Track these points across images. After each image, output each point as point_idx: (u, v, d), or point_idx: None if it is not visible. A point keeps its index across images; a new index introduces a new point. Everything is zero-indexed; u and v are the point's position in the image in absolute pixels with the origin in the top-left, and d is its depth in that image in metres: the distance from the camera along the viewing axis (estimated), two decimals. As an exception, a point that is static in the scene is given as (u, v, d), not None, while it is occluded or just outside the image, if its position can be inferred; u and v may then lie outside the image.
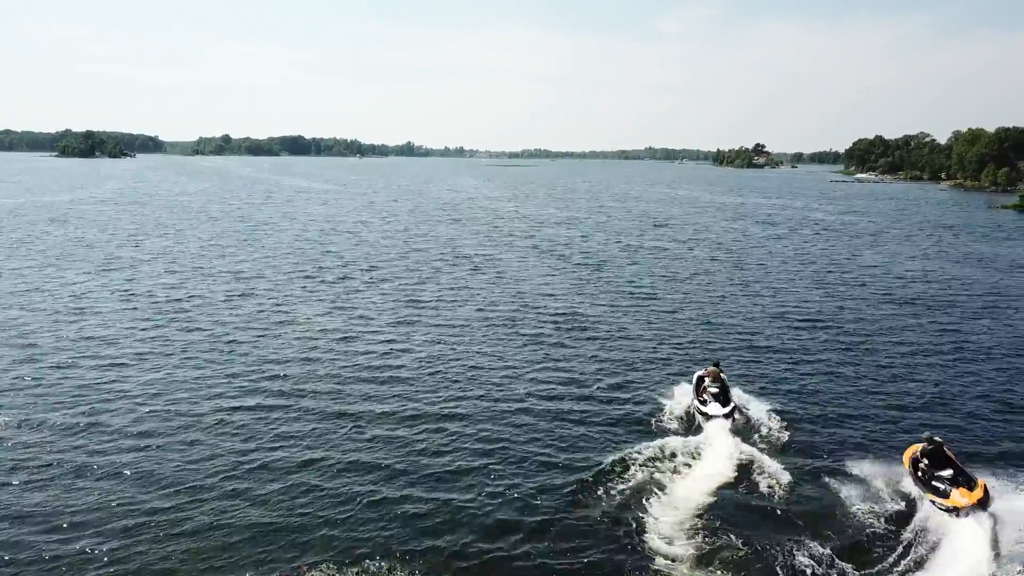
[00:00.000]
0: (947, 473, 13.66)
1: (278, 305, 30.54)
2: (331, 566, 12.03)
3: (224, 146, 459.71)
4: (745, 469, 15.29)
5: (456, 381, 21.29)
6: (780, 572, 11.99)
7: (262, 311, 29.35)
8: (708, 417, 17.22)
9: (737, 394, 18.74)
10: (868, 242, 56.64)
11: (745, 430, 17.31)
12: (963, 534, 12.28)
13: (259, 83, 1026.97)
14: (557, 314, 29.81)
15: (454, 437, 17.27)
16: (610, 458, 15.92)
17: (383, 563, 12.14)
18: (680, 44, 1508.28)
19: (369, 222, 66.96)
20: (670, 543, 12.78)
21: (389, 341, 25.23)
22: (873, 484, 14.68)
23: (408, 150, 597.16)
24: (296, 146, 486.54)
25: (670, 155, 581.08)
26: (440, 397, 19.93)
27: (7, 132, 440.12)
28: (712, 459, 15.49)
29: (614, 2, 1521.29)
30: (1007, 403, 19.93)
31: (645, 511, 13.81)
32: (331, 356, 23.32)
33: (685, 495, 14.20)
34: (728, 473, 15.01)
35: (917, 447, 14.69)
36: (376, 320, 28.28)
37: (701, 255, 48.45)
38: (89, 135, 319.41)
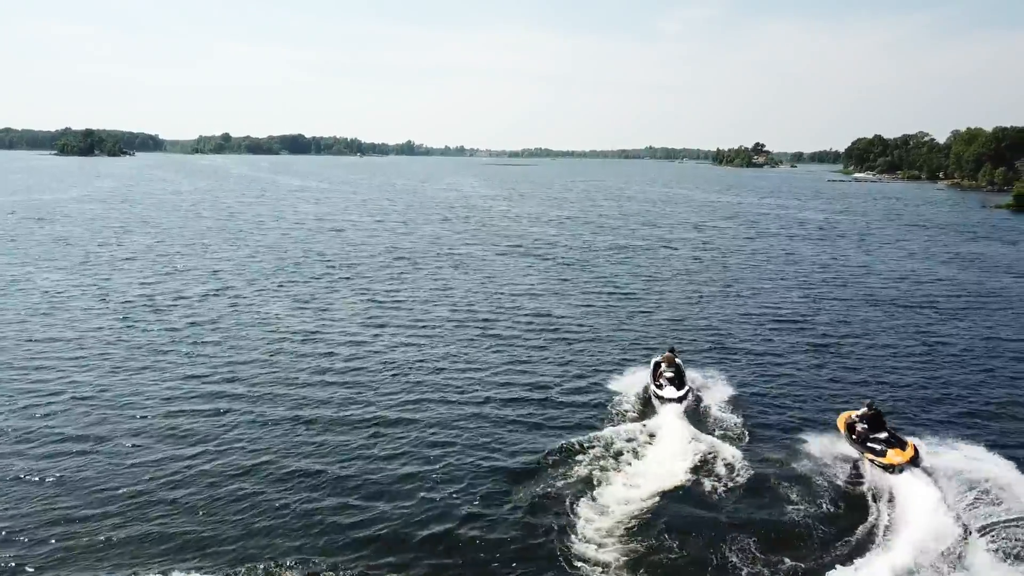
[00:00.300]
0: (883, 436, 15.31)
1: (249, 305, 30.34)
2: (265, 570, 11.86)
3: (224, 145, 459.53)
4: (697, 449, 15.88)
5: (417, 382, 21.07)
6: (730, 544, 12.66)
7: (232, 311, 29.14)
8: (664, 400, 18.01)
9: (692, 378, 19.61)
10: (855, 242, 56.41)
11: (699, 411, 18.35)
12: (899, 488, 13.93)
13: (259, 82, 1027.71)
14: (530, 313, 29.62)
15: (405, 439, 17.05)
16: (564, 446, 16.23)
17: (306, 567, 11.97)
18: (680, 44, 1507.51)
19: (357, 221, 66.77)
20: (621, 527, 13.08)
21: (355, 342, 25.01)
22: (816, 452, 15.99)
23: (408, 149, 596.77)
24: (296, 145, 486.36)
25: (670, 155, 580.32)
26: (396, 398, 19.70)
27: (7, 130, 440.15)
28: (666, 440, 16.12)
29: (614, 2, 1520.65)
30: (948, 383, 21.47)
31: (593, 500, 13.95)
32: (293, 357, 23.11)
33: (638, 479, 14.65)
34: (681, 453, 15.58)
35: (851, 413, 16.51)
36: (345, 320, 28.08)
37: (686, 255, 48.23)
38: (88, 134, 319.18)
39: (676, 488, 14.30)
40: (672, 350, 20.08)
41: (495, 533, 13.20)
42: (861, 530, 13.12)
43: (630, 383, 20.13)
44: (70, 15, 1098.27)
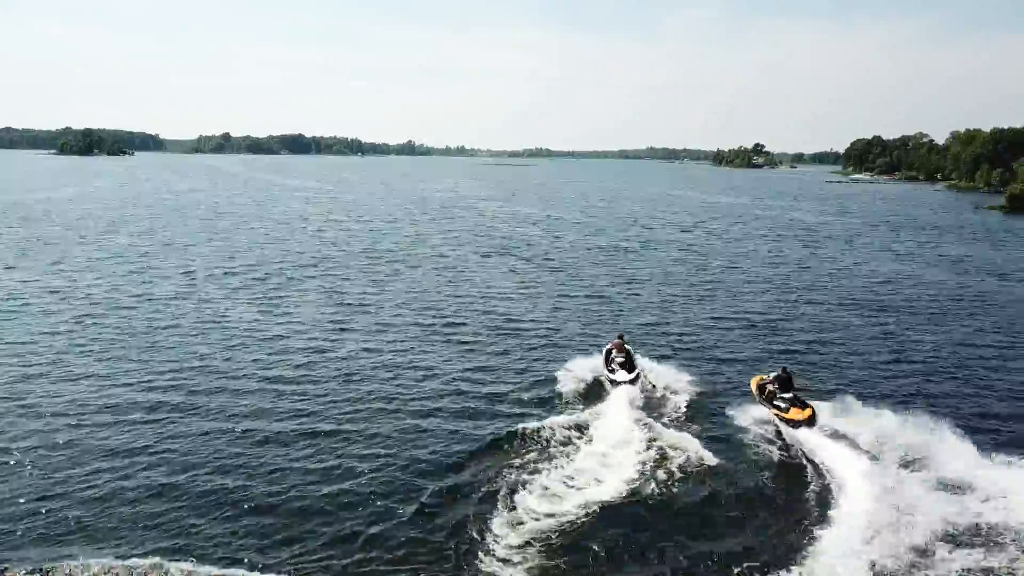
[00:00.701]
0: (788, 396, 17.65)
1: (210, 307, 29.90)
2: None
3: (224, 144, 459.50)
4: (643, 427, 16.99)
5: (365, 381, 20.81)
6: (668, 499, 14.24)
7: (192, 313, 28.74)
8: (615, 383, 19.35)
9: (642, 362, 21.00)
10: (842, 243, 55.95)
11: (648, 391, 19.80)
12: (799, 439, 16.58)
13: (260, 82, 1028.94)
14: (497, 315, 29.21)
15: (345, 442, 16.69)
16: (519, 431, 16.92)
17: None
18: (682, 43, 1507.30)
19: (342, 221, 66.39)
20: (576, 504, 13.82)
21: (309, 347, 24.56)
22: (739, 417, 18.17)
23: (409, 149, 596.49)
24: (296, 145, 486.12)
25: (670, 155, 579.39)
26: (347, 398, 19.42)
27: (8, 129, 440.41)
28: (616, 420, 17.32)
29: (616, 2, 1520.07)
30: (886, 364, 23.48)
31: (544, 486, 14.43)
32: (246, 360, 22.71)
33: (588, 459, 15.54)
34: (628, 432, 16.66)
35: (763, 376, 19.00)
36: (305, 322, 27.69)
37: (667, 257, 47.79)
38: (87, 133, 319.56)
39: (623, 466, 15.29)
40: (621, 337, 21.39)
41: (438, 526, 13.33)
42: (771, 478, 15.34)
43: (584, 369, 21.07)
44: (72, 15, 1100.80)
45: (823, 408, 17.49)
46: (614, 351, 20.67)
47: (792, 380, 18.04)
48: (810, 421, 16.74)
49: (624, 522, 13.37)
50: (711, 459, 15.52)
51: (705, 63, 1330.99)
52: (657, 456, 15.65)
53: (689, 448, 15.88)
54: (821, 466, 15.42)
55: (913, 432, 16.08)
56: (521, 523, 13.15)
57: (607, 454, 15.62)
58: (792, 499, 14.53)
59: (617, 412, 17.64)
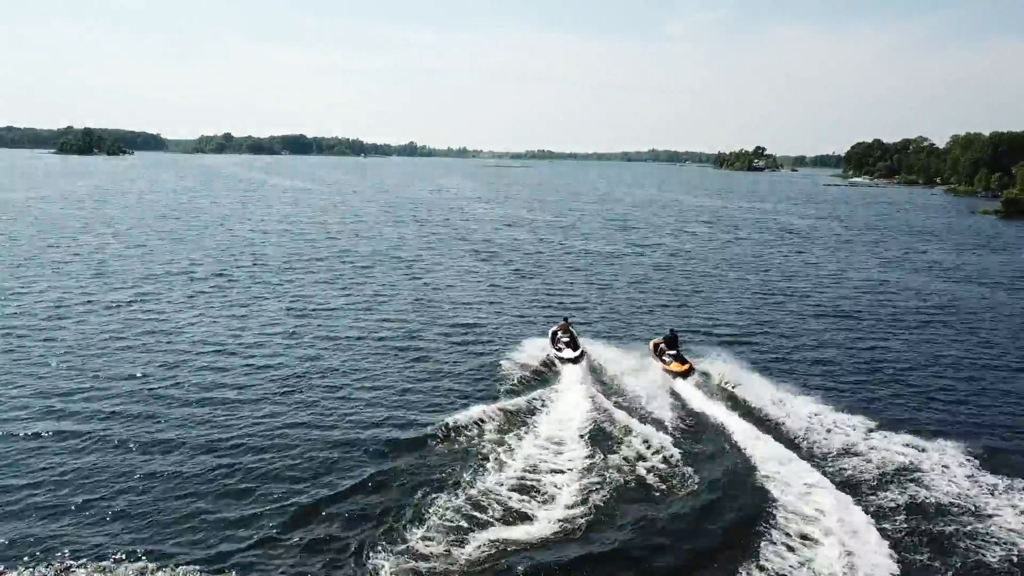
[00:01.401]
0: (672, 352, 21.58)
1: (163, 312, 28.92)
2: None
3: (226, 145, 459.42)
4: (591, 397, 19.39)
5: (307, 391, 19.96)
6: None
7: (144, 319, 27.78)
8: (563, 360, 21.99)
9: (584, 342, 23.48)
10: (830, 248, 54.82)
11: (590, 366, 22.11)
12: (679, 387, 20.30)
13: (262, 82, 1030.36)
14: (456, 324, 28.22)
15: (283, 463, 15.72)
16: (468, 414, 18.04)
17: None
18: (686, 46, 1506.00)
19: (326, 223, 65.40)
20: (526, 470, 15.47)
21: (252, 357, 23.55)
22: (648, 373, 21.48)
23: (411, 150, 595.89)
24: (297, 145, 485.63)
25: (673, 157, 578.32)
26: (282, 413, 18.43)
27: (9, 128, 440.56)
28: (566, 390, 19.97)
29: (621, 4, 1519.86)
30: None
31: (500, 461, 15.78)
32: (182, 371, 21.72)
33: (536, 428, 17.59)
34: (576, 401, 19.08)
35: (658, 339, 22.76)
36: (257, 330, 26.67)
37: (650, 261, 46.78)
38: (88, 132, 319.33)
39: (570, 431, 17.40)
40: (566, 320, 24.45)
41: (386, 506, 13.94)
42: (655, 411, 18.86)
43: (535, 348, 23.54)
44: (74, 14, 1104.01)
45: (701, 363, 21.80)
46: (560, 332, 23.44)
47: (676, 340, 22.12)
48: (687, 373, 20.70)
49: (580, 488, 14.69)
50: (629, 408, 18.95)
51: (710, 66, 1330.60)
52: (597, 418, 18.04)
53: (614, 406, 18.90)
54: (697, 410, 19.01)
55: (770, 394, 19.61)
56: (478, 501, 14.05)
57: (560, 421, 17.86)
58: (679, 428, 18.04)
59: (566, 385, 20.37)
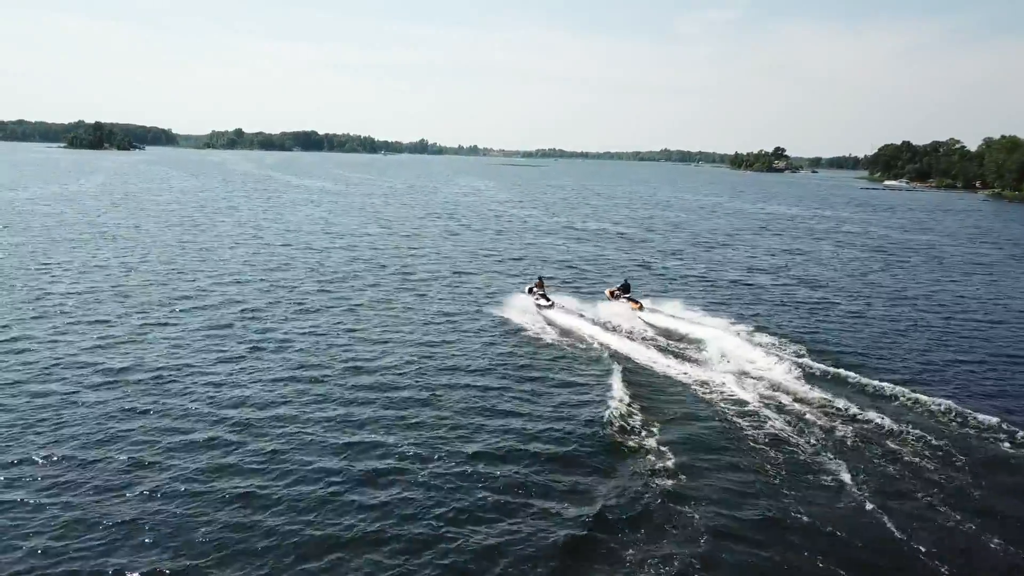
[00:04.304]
0: (628, 295, 29.44)
1: (117, 326, 24.75)
2: None
3: (236, 140, 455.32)
4: (561, 332, 25.90)
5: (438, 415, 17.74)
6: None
7: (100, 332, 23.98)
8: (540, 307, 28.57)
9: (555, 295, 29.95)
10: (970, 271, 45.73)
11: (561, 312, 28.11)
12: (636, 319, 27.54)
13: (273, 79, 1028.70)
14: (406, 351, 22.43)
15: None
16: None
17: None
18: (698, 46, 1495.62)
19: (385, 233, 59.30)
20: None
21: (189, 385, 19.10)
22: (604, 308, 28.80)
23: (422, 147, 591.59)
24: (309, 142, 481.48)
25: (685, 157, 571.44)
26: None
27: (20, 122, 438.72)
28: (547, 326, 26.84)
29: (632, 3, 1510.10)
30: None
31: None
32: (110, 395, 17.39)
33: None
34: (551, 339, 25.19)
35: (614, 287, 30.43)
36: (205, 351, 22.22)
37: (820, 295, 40.44)
38: (98, 127, 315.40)
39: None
40: (540, 279, 30.63)
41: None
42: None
43: (519, 299, 29.85)
44: (87, 9, 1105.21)
45: (648, 303, 28.96)
46: (535, 288, 29.91)
47: (630, 287, 30.03)
48: (641, 307, 28.21)
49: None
50: (588, 328, 26.04)
51: (722, 66, 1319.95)
52: (564, 338, 25.02)
53: (581, 329, 26.02)
54: (645, 333, 26.04)
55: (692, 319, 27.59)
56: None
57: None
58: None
59: (548, 325, 26.97)
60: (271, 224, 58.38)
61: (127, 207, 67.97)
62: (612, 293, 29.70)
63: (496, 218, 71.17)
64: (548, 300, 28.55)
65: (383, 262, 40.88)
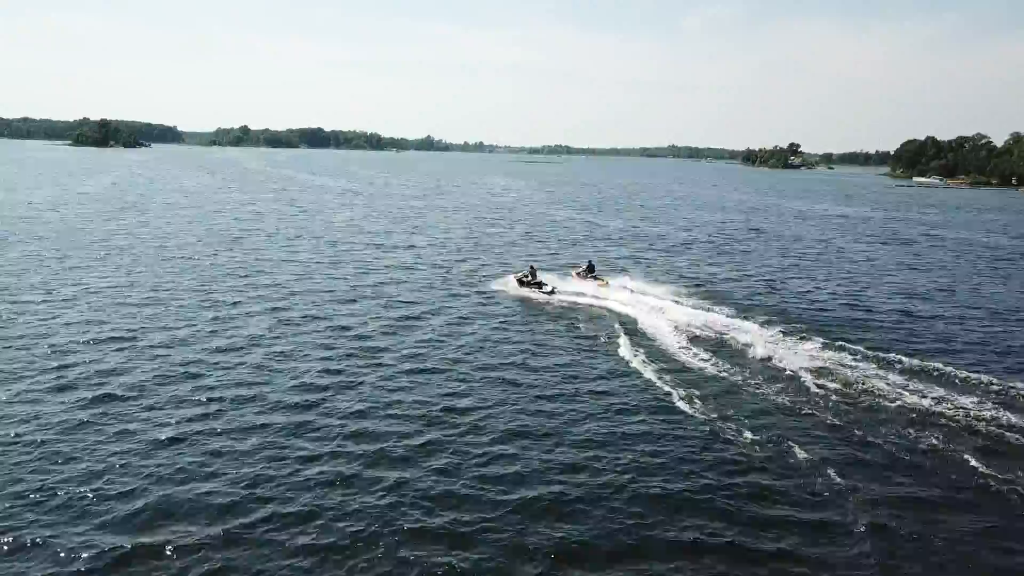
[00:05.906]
0: (594, 275, 33.45)
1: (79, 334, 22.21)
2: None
3: (242, 137, 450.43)
4: (551, 303, 30.27)
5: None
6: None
7: (60, 340, 22.23)
8: (531, 287, 32.26)
9: (545, 276, 33.40)
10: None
11: (550, 293, 31.48)
12: (608, 296, 30.85)
13: (279, 76, 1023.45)
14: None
15: None
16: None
17: None
18: (703, 41, 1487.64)
19: (377, 225, 54.56)
20: None
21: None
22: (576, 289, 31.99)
23: (428, 144, 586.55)
24: (315, 139, 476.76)
25: (693, 154, 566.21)
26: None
27: (26, 120, 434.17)
28: (547, 305, 30.48)
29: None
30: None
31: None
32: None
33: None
34: (547, 313, 28.70)
35: (580, 268, 34.65)
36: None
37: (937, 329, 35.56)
38: (104, 124, 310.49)
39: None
40: (532, 266, 33.69)
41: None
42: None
43: (512, 284, 32.87)
44: (91, 7, 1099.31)
45: (614, 282, 33.18)
46: (529, 274, 32.71)
47: (594, 268, 34.29)
48: (606, 286, 32.17)
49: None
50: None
51: (728, 61, 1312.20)
52: (555, 314, 28.75)
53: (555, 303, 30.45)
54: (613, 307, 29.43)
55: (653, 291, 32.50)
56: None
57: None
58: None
59: (545, 303, 30.70)
60: (316, 238, 53.48)
61: (168, 221, 63.12)
62: (578, 274, 33.67)
63: (552, 223, 66.31)
64: (540, 283, 32.03)
65: (460, 284, 36.10)
